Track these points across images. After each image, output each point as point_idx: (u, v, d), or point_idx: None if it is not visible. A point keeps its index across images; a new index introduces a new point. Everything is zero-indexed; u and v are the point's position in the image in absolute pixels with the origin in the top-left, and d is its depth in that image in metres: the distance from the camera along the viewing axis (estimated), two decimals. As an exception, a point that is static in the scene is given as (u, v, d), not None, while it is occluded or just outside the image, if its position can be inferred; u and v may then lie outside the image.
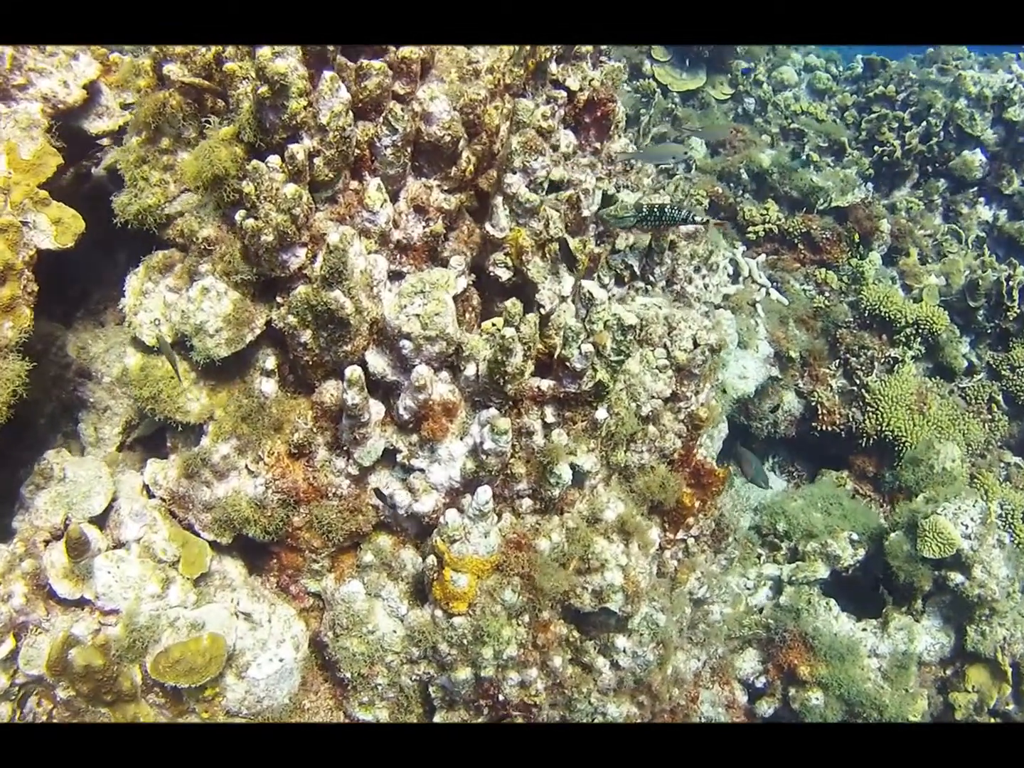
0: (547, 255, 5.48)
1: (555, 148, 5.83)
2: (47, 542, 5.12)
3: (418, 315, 4.93)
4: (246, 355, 5.33)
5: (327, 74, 4.83)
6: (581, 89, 6.18)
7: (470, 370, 5.12)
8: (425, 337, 4.95)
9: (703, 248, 6.85)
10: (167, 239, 5.43)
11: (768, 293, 11.09)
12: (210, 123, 5.12)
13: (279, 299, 5.16)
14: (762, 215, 11.89)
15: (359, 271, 4.97)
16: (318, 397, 5.24)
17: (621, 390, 5.44)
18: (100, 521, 5.27)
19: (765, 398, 10.44)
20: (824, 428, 10.55)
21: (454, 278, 5.17)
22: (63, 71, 5.64)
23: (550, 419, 5.19)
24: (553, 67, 6.04)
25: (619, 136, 6.54)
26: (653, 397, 5.62)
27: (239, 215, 4.95)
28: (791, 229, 11.82)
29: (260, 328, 5.22)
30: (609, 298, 6.09)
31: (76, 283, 6.20)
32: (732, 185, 12.45)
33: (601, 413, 5.19)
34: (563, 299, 5.49)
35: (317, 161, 4.94)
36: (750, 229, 11.89)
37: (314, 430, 5.28)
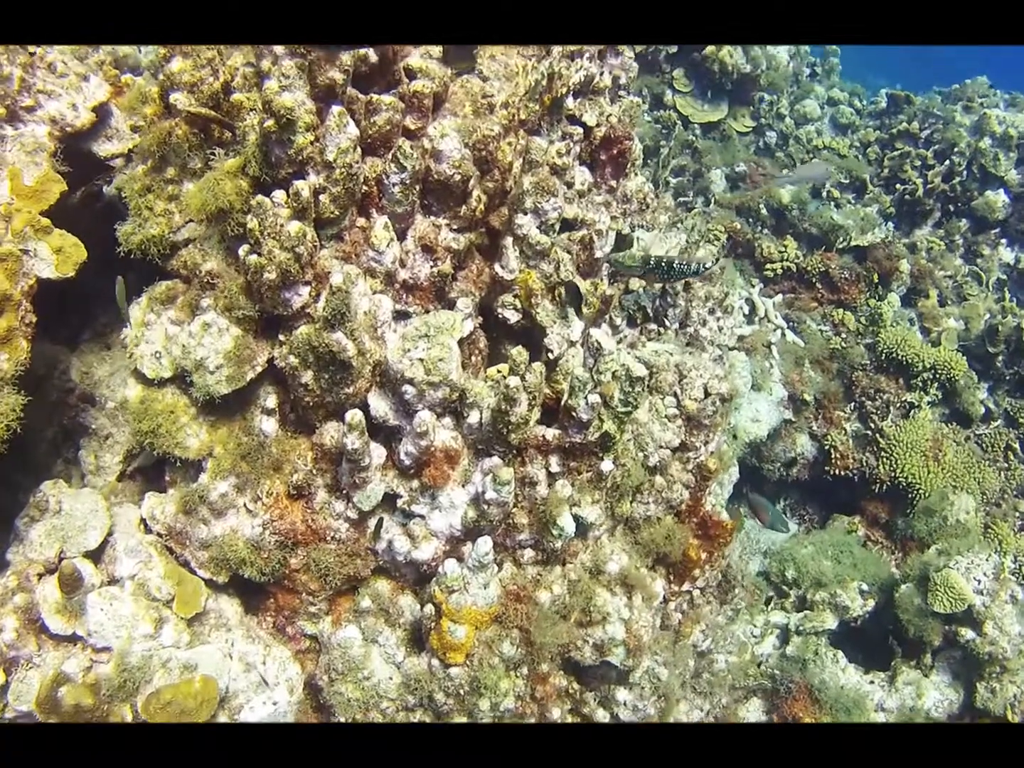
0: (557, 298, 5.35)
1: (569, 185, 5.72)
2: (40, 575, 5.00)
3: (422, 360, 4.82)
4: (247, 392, 5.21)
5: (335, 109, 4.72)
6: (598, 125, 6.09)
7: (473, 417, 5.00)
8: (428, 383, 4.83)
9: (718, 290, 6.73)
10: (171, 270, 5.32)
11: (784, 334, 10.95)
12: (216, 154, 5.04)
13: (281, 337, 5.05)
14: (780, 252, 11.75)
15: (363, 312, 4.87)
16: (319, 439, 5.12)
17: (628, 440, 5.33)
18: (95, 555, 5.14)
19: (778, 441, 10.28)
20: (837, 472, 10.39)
21: (460, 321, 5.06)
22: (73, 93, 5.55)
23: (554, 468, 5.07)
24: (570, 102, 5.94)
25: (635, 174, 6.43)
26: (661, 447, 5.50)
27: (243, 250, 4.85)
28: (809, 268, 11.67)
29: (262, 366, 5.11)
30: (620, 340, 5.99)
31: (83, 304, 6.09)
32: (751, 221, 12.28)
33: (607, 465, 5.07)
34: (572, 344, 5.37)
35: (323, 198, 4.84)
36: (767, 266, 11.74)
37: (314, 471, 5.17)
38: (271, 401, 5.15)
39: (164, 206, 5.23)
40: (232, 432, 5.26)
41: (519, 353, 4.79)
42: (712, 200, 12.55)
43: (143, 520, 5.37)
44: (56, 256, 5.02)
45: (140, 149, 5.27)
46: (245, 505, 5.20)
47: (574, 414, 4.87)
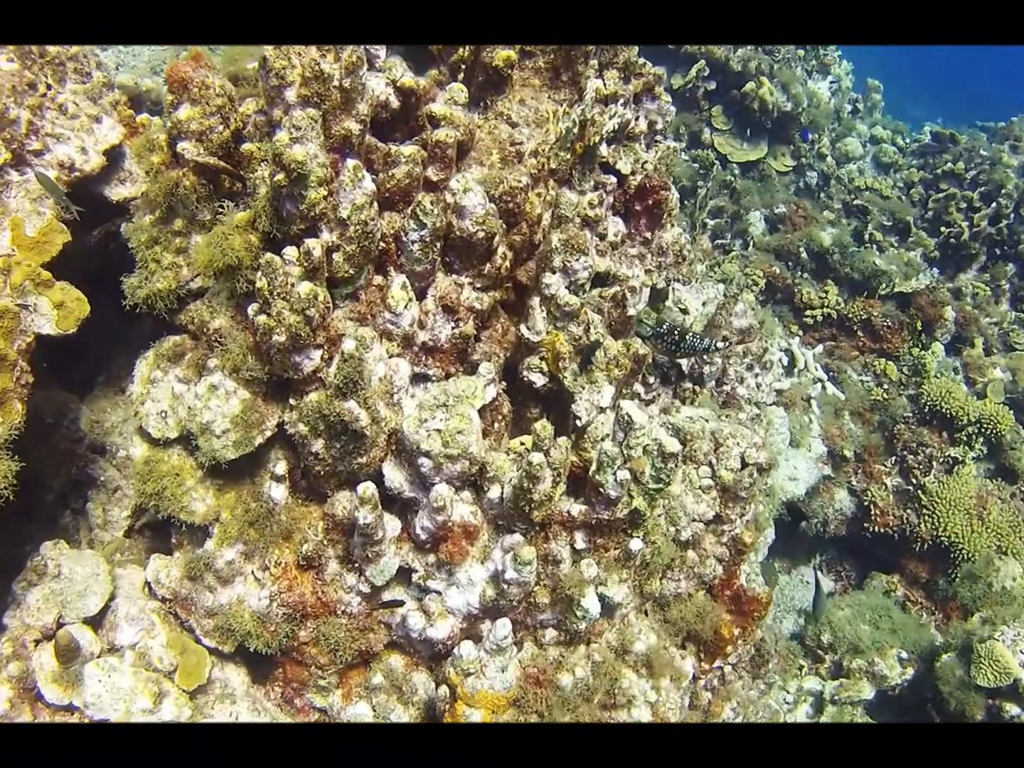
0: (582, 367, 5.05)
1: (602, 237, 5.46)
2: (38, 642, 4.78)
3: (439, 431, 4.53)
4: (257, 454, 4.95)
5: (350, 163, 4.46)
6: (633, 173, 5.80)
7: (494, 492, 4.71)
8: (446, 456, 4.55)
9: (757, 346, 6.43)
10: (179, 324, 5.09)
11: (824, 387, 10.62)
12: (225, 207, 4.78)
13: (292, 401, 4.78)
14: (820, 298, 11.44)
15: (378, 378, 4.59)
16: (330, 508, 4.86)
17: (659, 515, 5.02)
18: (96, 621, 4.91)
19: (816, 496, 9.93)
20: (876, 529, 10.00)
21: (482, 388, 4.77)
22: (83, 135, 5.33)
23: (580, 545, 4.79)
24: (604, 148, 5.65)
25: (672, 225, 6.12)
26: (695, 520, 5.21)
27: (252, 309, 4.60)
28: (851, 315, 11.35)
29: (271, 430, 4.86)
30: (653, 398, 5.69)
31: (97, 347, 5.88)
32: (790, 265, 11.99)
33: (636, 544, 4.78)
34: (601, 410, 5.06)
35: (336, 256, 4.56)
36: (807, 313, 11.44)
37: (325, 542, 4.91)
38: (281, 467, 4.88)
39: (172, 259, 4.99)
40: (240, 497, 5.02)
41: (543, 428, 4.50)
42: (750, 243, 12.26)
43: (147, 583, 5.14)
44: (57, 312, 4.77)
45: (147, 199, 5.04)
46: (253, 573, 4.96)
47: (602, 490, 4.59)
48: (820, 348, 11.17)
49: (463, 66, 5.37)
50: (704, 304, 6.98)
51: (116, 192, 5.61)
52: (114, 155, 5.50)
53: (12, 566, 5.02)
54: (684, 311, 6.83)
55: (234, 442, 4.76)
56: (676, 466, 4.74)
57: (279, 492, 4.89)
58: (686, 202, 11.68)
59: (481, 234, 4.74)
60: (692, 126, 13.06)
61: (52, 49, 5.39)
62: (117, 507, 5.71)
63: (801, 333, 11.32)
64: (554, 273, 4.94)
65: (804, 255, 11.97)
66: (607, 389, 5.08)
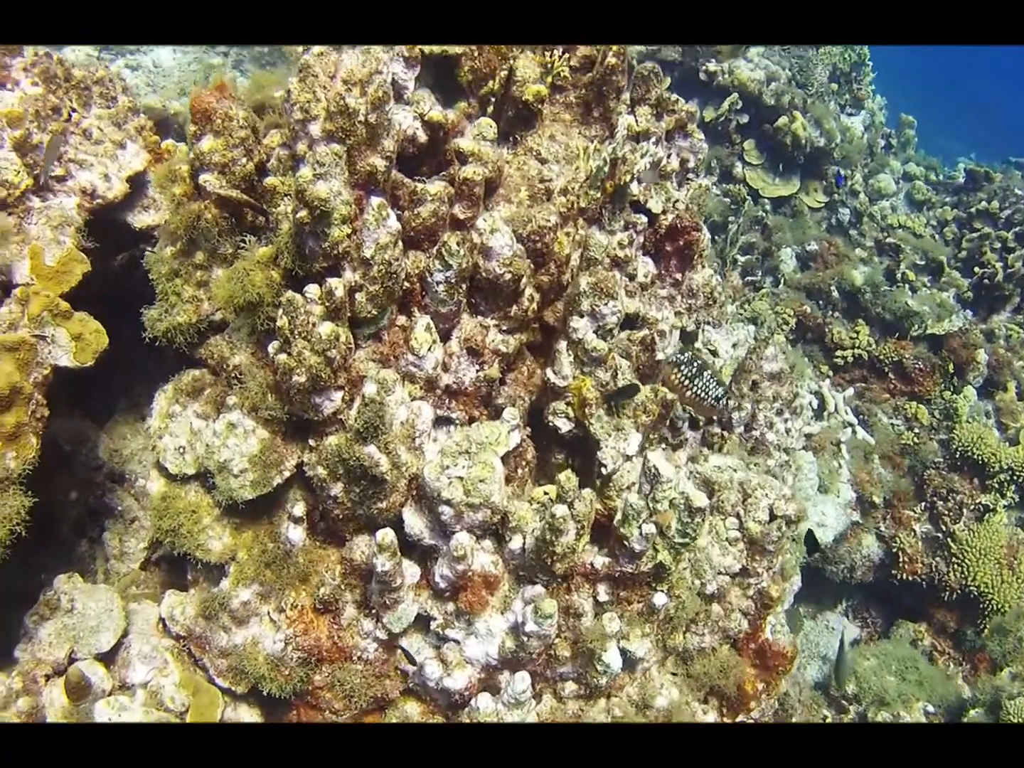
0: (613, 409, 4.93)
1: (631, 277, 5.33)
2: (48, 677, 4.70)
3: (461, 479, 4.42)
4: (275, 494, 4.85)
5: (375, 201, 4.36)
6: (664, 212, 5.67)
7: (516, 543, 4.59)
8: (468, 504, 4.43)
9: (787, 390, 6.30)
10: (199, 358, 5.01)
11: (854, 431, 10.46)
12: (247, 241, 4.70)
13: (312, 441, 4.68)
14: (852, 338, 11.28)
15: (399, 422, 4.48)
16: (348, 553, 4.76)
17: (684, 568, 4.89)
18: (108, 658, 4.84)
19: (843, 541, 9.76)
20: (904, 576, 9.80)
21: (506, 434, 4.66)
22: (107, 161, 5.28)
23: (603, 598, 4.68)
24: (635, 187, 5.53)
25: (702, 266, 6.00)
26: (720, 573, 5.06)
27: (272, 347, 4.50)
28: (882, 356, 11.18)
29: (290, 471, 4.76)
30: (681, 443, 5.56)
31: (119, 373, 5.81)
32: (821, 303, 11.84)
33: (660, 598, 4.65)
34: (628, 458, 4.93)
35: (359, 296, 4.46)
36: (838, 353, 11.28)
37: (342, 586, 4.80)
38: (299, 509, 4.77)
39: (192, 292, 4.91)
40: (257, 537, 4.93)
41: (568, 479, 4.38)
42: (781, 280, 12.12)
43: (162, 620, 5.07)
44: (75, 344, 4.69)
45: (168, 230, 4.96)
46: (268, 614, 4.86)
47: (626, 543, 4.48)
48: (851, 391, 11.02)
49: (493, 99, 5.29)
50: (734, 346, 6.87)
51: (139, 219, 5.57)
52: (138, 182, 5.46)
53: (24, 595, 4.95)
54: (713, 352, 6.71)
55: (252, 482, 4.67)
56: (703, 520, 4.62)
57: (297, 534, 4.79)
58: (716, 238, 11.58)
59: (508, 276, 4.63)
60: (724, 160, 12.92)
61: (77, 73, 5.37)
62: (134, 538, 5.68)
63: (831, 374, 11.17)
64: (582, 317, 4.82)
65: (835, 294, 11.81)
66: (634, 436, 4.95)
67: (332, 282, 4.29)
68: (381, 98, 4.24)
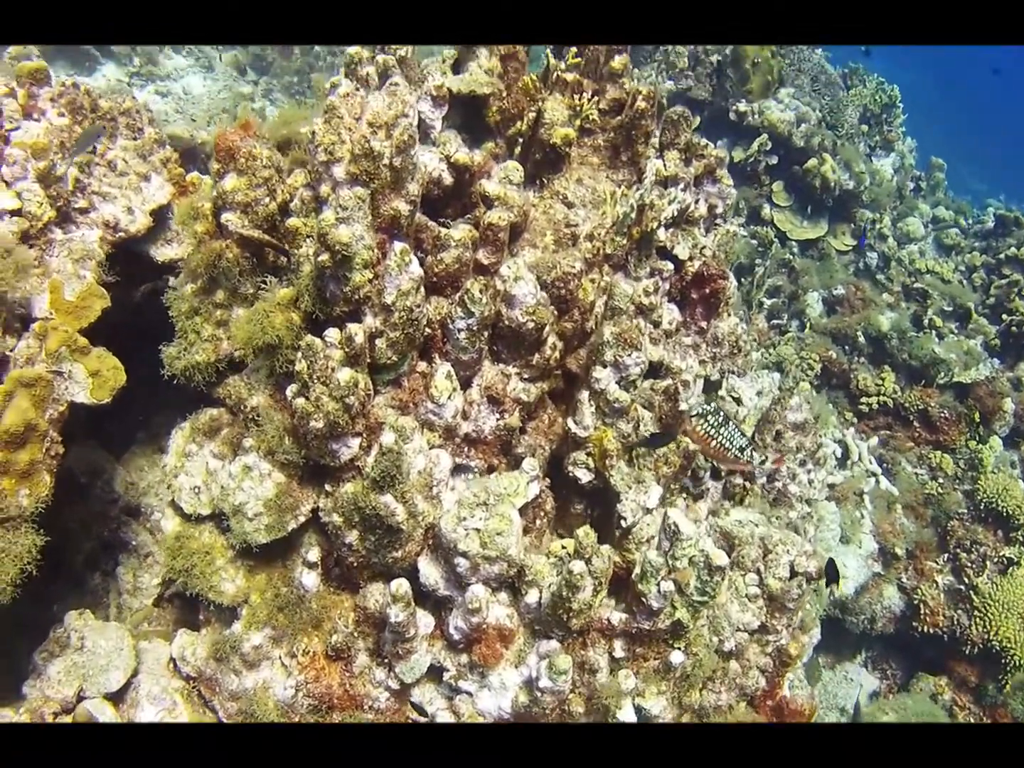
0: (634, 460, 4.86)
1: (656, 324, 5.26)
2: (56, 714, 4.62)
3: (478, 530, 4.33)
4: (290, 537, 4.78)
5: (397, 247, 4.30)
6: (691, 259, 5.61)
7: (532, 597, 4.50)
8: (484, 557, 4.35)
9: (811, 441, 6.21)
10: (217, 397, 4.97)
11: (877, 481, 10.34)
12: (268, 282, 4.66)
13: (328, 487, 4.62)
14: (877, 385, 11.19)
15: (416, 471, 4.41)
16: (362, 600, 4.68)
17: (702, 625, 4.79)
18: (118, 697, 4.77)
19: (864, 592, 9.64)
20: (925, 629, 9.66)
21: (525, 485, 4.58)
22: (131, 194, 5.26)
23: (618, 654, 4.58)
24: (661, 233, 5.47)
25: (728, 314, 5.93)
26: (739, 630, 4.96)
27: (290, 390, 4.44)
28: (907, 404, 11.08)
29: (305, 515, 4.69)
30: (702, 494, 5.47)
31: (139, 404, 5.73)
32: (847, 349, 11.75)
33: (677, 656, 4.55)
34: (648, 511, 4.86)
35: (379, 342, 4.40)
36: (863, 400, 11.19)
37: (355, 634, 4.72)
38: (313, 554, 4.71)
39: (212, 331, 4.86)
40: (271, 580, 4.85)
41: (586, 535, 4.29)
42: (807, 324, 12.03)
43: (172, 659, 5.00)
44: (92, 380, 4.64)
45: (189, 268, 4.91)
46: (280, 659, 4.78)
47: (644, 600, 4.38)
48: (875, 440, 10.90)
49: (520, 140, 5.26)
50: (759, 394, 6.79)
51: (162, 252, 5.54)
52: (162, 214, 5.44)
53: (35, 625, 4.93)
54: (737, 400, 6.63)
55: (266, 526, 4.60)
56: (723, 579, 4.53)
57: (311, 579, 4.72)
58: (743, 280, 11.53)
59: (531, 324, 4.57)
60: (752, 201, 12.90)
61: (104, 104, 5.37)
62: (148, 573, 5.62)
63: (856, 421, 11.07)
64: (605, 367, 4.76)
65: (861, 339, 11.72)
66: (654, 489, 4.88)
67: (352, 328, 4.24)
68: (406, 142, 4.21)
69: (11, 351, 4.52)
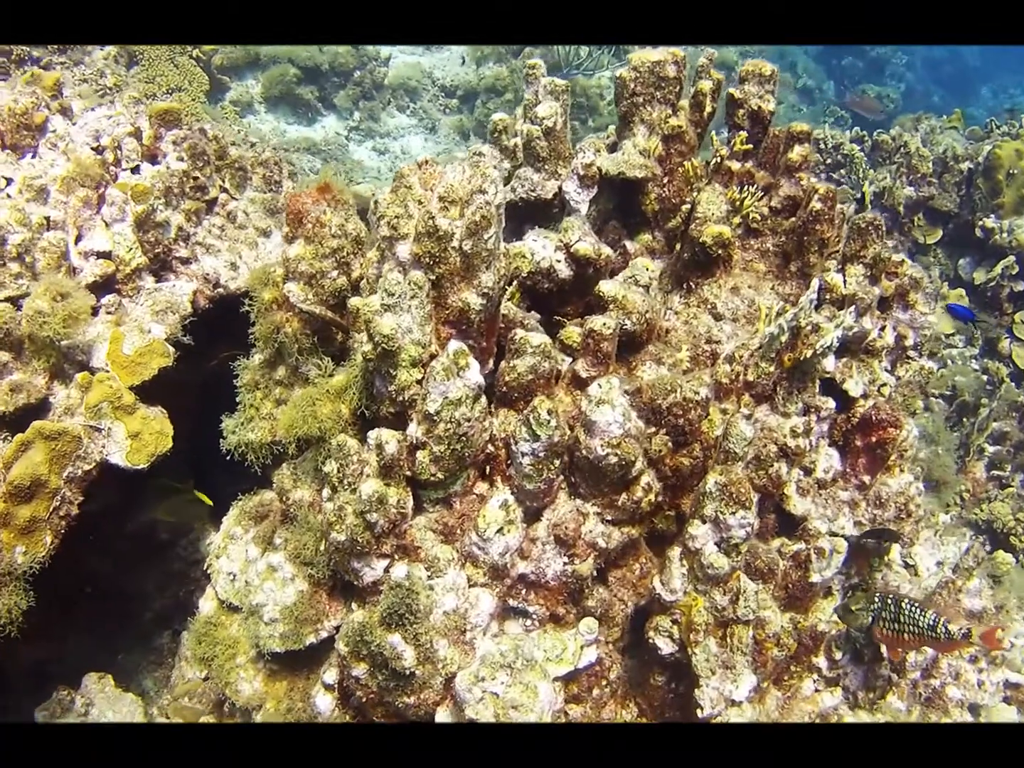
0: (728, 642, 3.98)
1: (807, 471, 4.41)
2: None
3: (496, 696, 3.58)
4: (320, 647, 4.22)
5: (452, 347, 3.62)
6: (864, 396, 4.68)
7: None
8: (495, 731, 3.61)
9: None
10: (272, 479, 4.49)
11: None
12: (322, 365, 4.12)
13: (354, 605, 3.98)
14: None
15: (443, 611, 3.70)
16: (371, 743, 4.01)
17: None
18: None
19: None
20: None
21: (571, 653, 3.80)
22: (243, 248, 4.95)
23: None
24: (830, 362, 4.55)
25: (901, 470, 4.92)
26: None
27: (325, 493, 3.83)
28: None
29: (328, 632, 4.14)
30: (838, 676, 4.63)
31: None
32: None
33: None
34: (733, 704, 3.97)
35: (420, 455, 3.71)
36: (1081, 580, 9.85)
37: (362, 778, 4.05)
38: (331, 676, 4.09)
39: (270, 409, 4.40)
40: (290, 691, 4.35)
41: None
42: (1033, 483, 10.73)
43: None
44: (131, 442, 4.23)
45: (256, 337, 4.42)
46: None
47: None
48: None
49: (679, 234, 4.58)
50: (940, 564, 5.75)
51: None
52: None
53: (96, 665, 4.91)
54: (911, 569, 5.60)
55: (281, 635, 4.10)
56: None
57: (325, 703, 4.10)
58: (964, 420, 10.32)
59: (612, 460, 3.75)
60: (989, 331, 11.66)
61: (234, 152, 5.22)
62: (213, 644, 5.23)
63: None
64: (704, 523, 3.90)
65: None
66: (746, 678, 3.98)
67: (384, 434, 3.62)
68: (479, 222, 3.53)
69: (53, 398, 4.24)
